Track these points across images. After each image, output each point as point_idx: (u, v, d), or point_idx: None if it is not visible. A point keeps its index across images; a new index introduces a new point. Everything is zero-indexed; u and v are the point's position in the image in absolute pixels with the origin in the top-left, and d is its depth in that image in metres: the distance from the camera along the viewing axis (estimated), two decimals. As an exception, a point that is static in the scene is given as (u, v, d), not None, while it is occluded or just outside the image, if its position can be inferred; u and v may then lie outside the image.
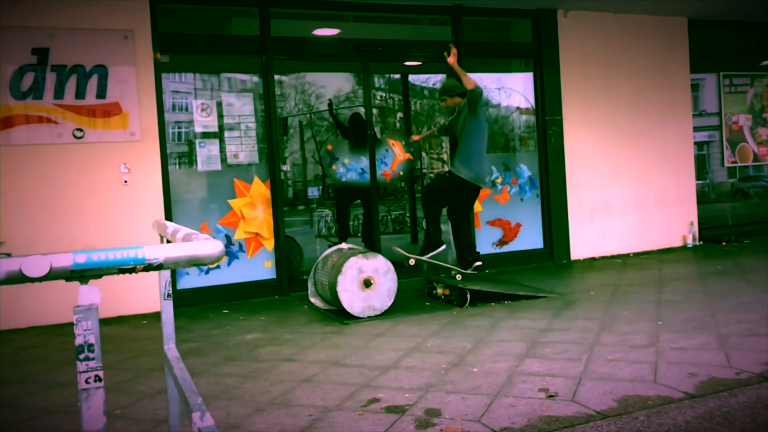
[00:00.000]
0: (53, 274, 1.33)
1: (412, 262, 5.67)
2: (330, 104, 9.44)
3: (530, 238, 7.66)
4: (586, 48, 7.80)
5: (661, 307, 5.04)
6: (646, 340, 4.13)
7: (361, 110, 7.49)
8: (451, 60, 5.59)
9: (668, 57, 8.31)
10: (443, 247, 5.76)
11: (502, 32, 8.07)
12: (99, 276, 1.38)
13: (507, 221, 7.57)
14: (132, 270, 1.39)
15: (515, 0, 7.27)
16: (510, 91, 7.97)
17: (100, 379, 1.39)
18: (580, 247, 7.77)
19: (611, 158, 7.97)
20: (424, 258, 5.68)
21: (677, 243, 8.37)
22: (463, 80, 5.54)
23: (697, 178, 8.74)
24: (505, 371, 3.64)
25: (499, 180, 7.55)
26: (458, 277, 5.66)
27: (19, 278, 1.30)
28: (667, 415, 2.93)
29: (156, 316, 5.60)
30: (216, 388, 3.61)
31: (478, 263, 5.90)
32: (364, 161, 7.16)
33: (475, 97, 5.53)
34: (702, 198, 8.98)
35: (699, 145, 9.33)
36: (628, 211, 8.06)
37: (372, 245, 7.10)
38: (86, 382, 1.38)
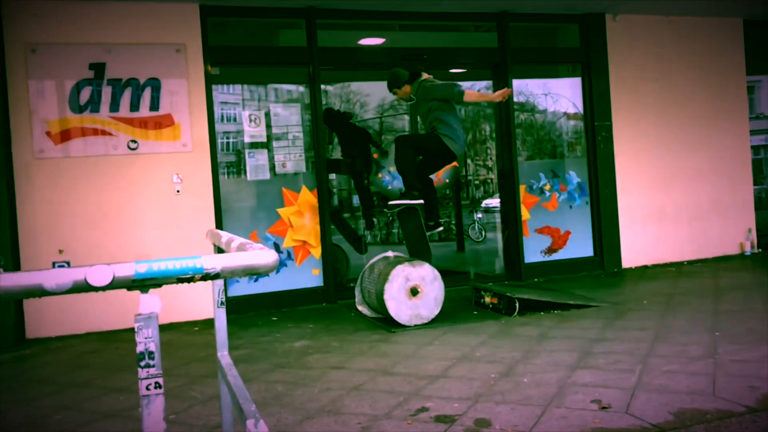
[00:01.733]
0: (116, 284, 1.37)
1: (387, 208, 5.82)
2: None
3: (580, 245, 7.52)
4: (636, 52, 7.65)
5: (718, 318, 4.88)
6: (704, 351, 4.00)
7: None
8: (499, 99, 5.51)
9: (722, 59, 8.08)
10: (422, 201, 5.65)
11: (550, 37, 7.98)
12: (159, 285, 1.41)
13: (556, 229, 7.46)
14: (190, 279, 1.42)
15: (562, 4, 7.18)
16: (557, 96, 7.87)
17: (160, 386, 1.42)
18: (632, 255, 7.59)
19: (663, 164, 7.78)
20: (400, 202, 5.56)
21: (734, 251, 8.10)
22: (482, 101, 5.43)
23: (754, 183, 8.45)
24: (556, 382, 3.58)
25: (547, 187, 7.46)
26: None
27: (84, 287, 1.35)
28: (728, 429, 2.83)
29: (207, 323, 5.72)
30: (266, 394, 3.66)
31: (439, 228, 5.74)
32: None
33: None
34: (760, 204, 8.69)
35: (755, 149, 9.05)
36: (681, 218, 7.85)
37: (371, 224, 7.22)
38: (147, 388, 1.41)
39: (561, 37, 7.85)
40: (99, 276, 1.34)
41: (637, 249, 7.62)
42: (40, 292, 1.32)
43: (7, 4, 5.55)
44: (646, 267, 7.60)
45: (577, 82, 7.66)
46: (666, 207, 7.79)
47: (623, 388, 3.40)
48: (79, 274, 1.33)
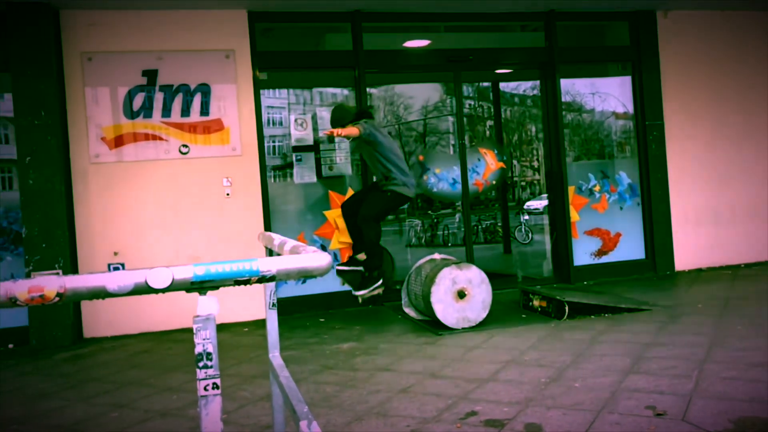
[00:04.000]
0: (175, 286, 1.40)
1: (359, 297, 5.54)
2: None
3: (631, 248, 7.35)
4: (688, 49, 7.44)
5: (778, 323, 4.70)
6: (764, 357, 3.85)
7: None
8: (337, 132, 5.18)
9: (781, 54, 7.79)
10: (380, 282, 5.49)
11: (598, 36, 7.83)
12: (217, 287, 1.44)
13: (606, 231, 7.31)
14: (247, 282, 1.44)
15: (612, 3, 7.04)
16: (605, 95, 7.72)
17: (217, 387, 1.44)
18: (685, 258, 7.38)
19: (718, 163, 7.54)
20: (366, 293, 5.37)
21: (794, 253, 7.79)
22: (353, 135, 5.23)
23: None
24: (608, 387, 3.51)
25: (597, 188, 7.31)
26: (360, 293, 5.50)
27: (144, 289, 1.38)
28: (792, 439, 2.73)
29: (256, 324, 5.80)
30: (315, 396, 3.69)
31: (377, 285, 5.43)
32: (456, 171, 7.12)
33: (366, 138, 5.25)
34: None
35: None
36: (737, 219, 7.59)
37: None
38: (205, 389, 1.44)
39: (610, 35, 7.70)
40: (159, 278, 1.38)
41: (690, 251, 7.41)
42: (103, 293, 1.36)
43: (64, 16, 5.75)
44: (700, 270, 7.38)
45: (626, 80, 7.50)
46: (721, 208, 7.55)
47: (679, 395, 3.31)
48: (139, 277, 1.37)
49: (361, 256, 5.54)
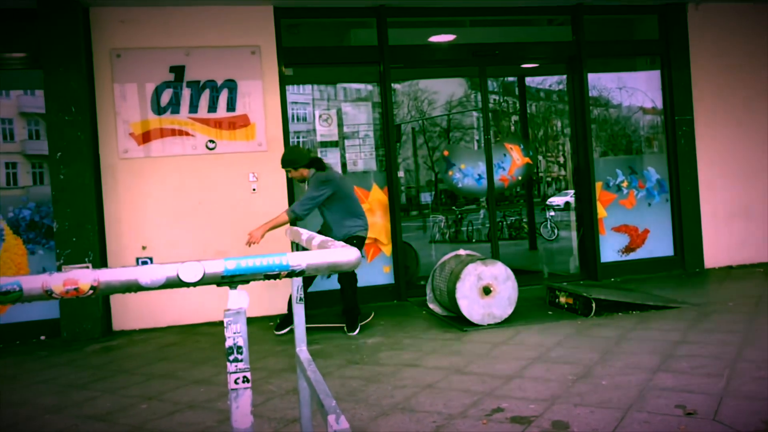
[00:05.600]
0: (206, 280, 1.41)
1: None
2: None
3: (659, 244, 7.25)
4: (719, 42, 7.29)
5: (812, 321, 4.60)
6: (797, 356, 3.78)
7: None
8: (255, 239, 5.01)
9: (816, 47, 7.60)
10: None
11: (626, 29, 7.72)
12: (247, 281, 1.45)
13: (634, 227, 7.21)
14: (277, 276, 1.45)
15: (640, -5, 6.94)
16: (632, 90, 7.61)
17: (247, 380, 1.45)
18: (715, 255, 7.26)
19: (749, 158, 7.39)
20: (358, 330, 5.20)
21: (829, 250, 7.61)
22: (279, 223, 5.06)
23: None
24: (637, 385, 3.47)
25: (625, 184, 7.22)
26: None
27: (176, 283, 1.39)
28: (827, 440, 2.67)
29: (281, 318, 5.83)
30: (341, 390, 3.70)
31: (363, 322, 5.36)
32: (481, 166, 7.08)
33: (299, 217, 5.10)
34: None
35: None
36: (769, 216, 7.44)
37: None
38: (235, 382, 1.45)
39: (638, 29, 7.58)
40: (191, 272, 1.39)
41: (720, 248, 7.28)
42: (136, 287, 1.37)
43: (94, 13, 5.83)
44: (730, 267, 7.24)
45: (654, 75, 7.39)
46: (753, 204, 7.40)
47: (710, 394, 3.25)
48: (171, 271, 1.38)
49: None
